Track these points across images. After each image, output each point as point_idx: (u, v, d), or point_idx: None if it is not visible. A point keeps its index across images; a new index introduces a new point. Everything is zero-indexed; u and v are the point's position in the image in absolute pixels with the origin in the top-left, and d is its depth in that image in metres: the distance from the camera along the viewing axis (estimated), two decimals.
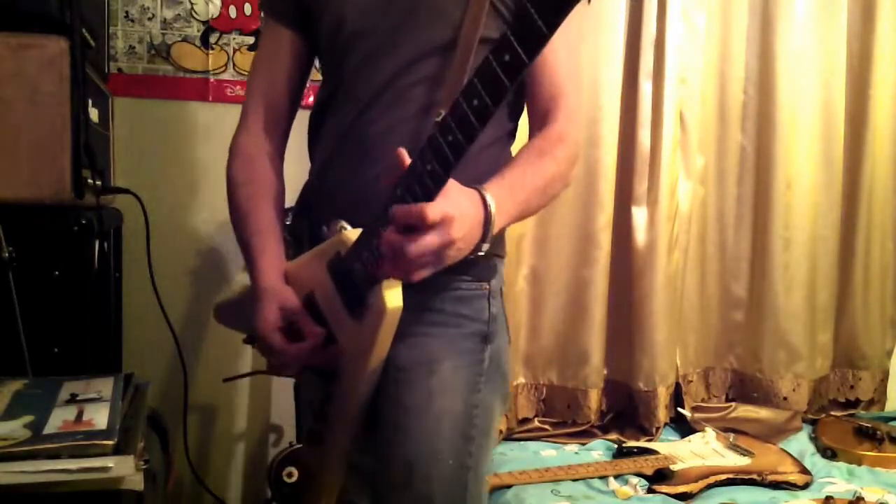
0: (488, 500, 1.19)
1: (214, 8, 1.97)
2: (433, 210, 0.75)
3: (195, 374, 1.99)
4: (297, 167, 1.15)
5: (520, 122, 1.09)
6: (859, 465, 1.85)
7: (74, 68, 1.32)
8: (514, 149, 1.07)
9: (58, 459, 0.96)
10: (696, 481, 1.69)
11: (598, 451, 1.94)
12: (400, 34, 0.96)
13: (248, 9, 1.99)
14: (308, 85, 1.14)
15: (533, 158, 0.95)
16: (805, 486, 1.72)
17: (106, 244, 1.50)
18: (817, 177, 2.15)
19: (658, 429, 2.04)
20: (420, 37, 0.95)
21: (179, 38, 1.96)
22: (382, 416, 0.98)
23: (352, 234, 0.91)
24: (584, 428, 2.04)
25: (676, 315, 2.09)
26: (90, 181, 1.41)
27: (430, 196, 0.76)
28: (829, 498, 1.58)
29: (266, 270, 0.99)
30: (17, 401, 1.14)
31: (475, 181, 0.84)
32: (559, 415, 2.06)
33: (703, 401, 2.21)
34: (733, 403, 2.18)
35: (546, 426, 2.04)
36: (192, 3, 1.96)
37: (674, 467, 1.76)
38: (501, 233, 0.98)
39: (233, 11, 1.98)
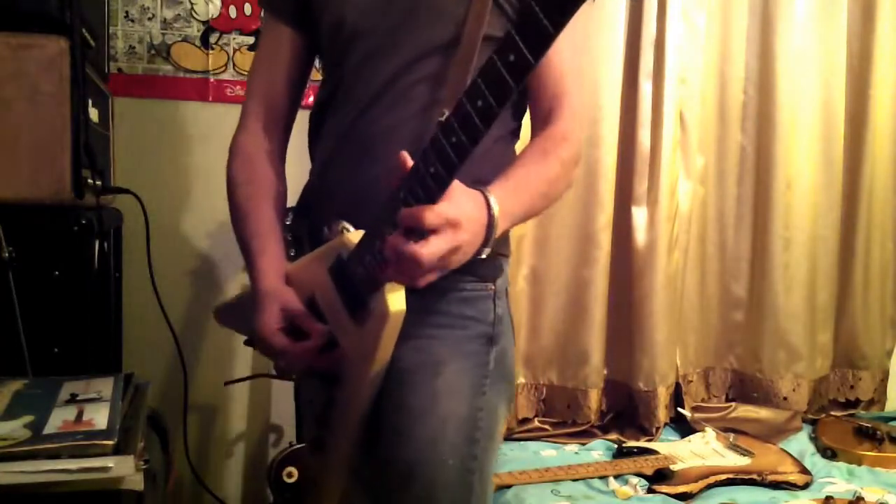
0: None
1: (214, 8, 1.97)
2: (436, 213, 0.74)
3: (195, 374, 1.99)
4: (297, 167, 1.14)
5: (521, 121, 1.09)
6: (859, 465, 1.85)
7: (74, 68, 1.32)
8: (517, 147, 1.06)
9: (58, 459, 0.96)
10: (696, 481, 1.69)
11: (598, 451, 1.94)
12: (401, 33, 0.95)
13: (248, 9, 1.99)
14: (308, 85, 1.14)
15: (537, 158, 0.94)
16: (805, 486, 1.72)
17: (106, 244, 1.50)
18: (817, 177, 2.16)
19: (658, 429, 2.04)
20: (421, 36, 0.94)
21: (179, 38, 1.96)
22: (385, 419, 0.96)
23: (354, 236, 0.90)
24: (584, 428, 2.04)
25: (676, 315, 2.09)
26: (90, 181, 1.41)
27: (433, 199, 0.75)
28: (829, 498, 1.58)
29: (266, 271, 0.98)
30: (17, 401, 1.14)
31: (478, 181, 0.83)
32: (559, 415, 2.06)
33: (703, 401, 2.21)
34: (733, 403, 2.18)
35: (546, 426, 2.04)
36: (192, 3, 1.96)
37: (674, 467, 1.76)
38: (506, 232, 0.97)
39: (233, 11, 1.98)
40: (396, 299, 0.85)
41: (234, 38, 1.99)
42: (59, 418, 1.07)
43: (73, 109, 1.32)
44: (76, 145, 1.33)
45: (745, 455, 1.84)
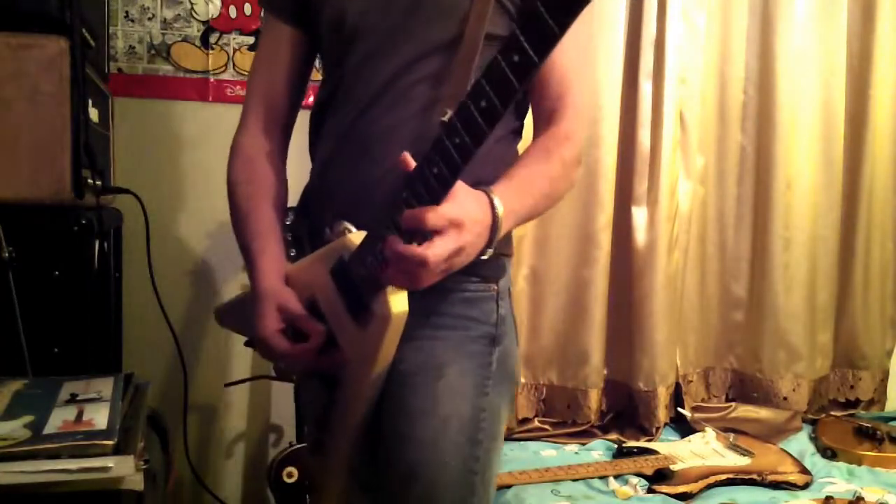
0: None
1: (214, 8, 1.97)
2: (439, 215, 0.73)
3: (195, 374, 1.99)
4: (298, 167, 1.14)
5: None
6: (859, 465, 1.85)
7: (74, 68, 1.32)
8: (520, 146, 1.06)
9: (58, 459, 0.96)
10: (696, 481, 1.69)
11: (598, 451, 1.94)
12: (401, 32, 0.94)
13: (248, 9, 1.99)
14: (308, 85, 1.14)
15: (540, 158, 0.93)
16: (805, 486, 1.72)
17: (106, 244, 1.50)
18: (817, 177, 2.15)
19: (658, 429, 2.04)
20: (422, 35, 0.94)
21: (179, 38, 1.96)
22: (386, 420, 0.96)
23: (356, 237, 0.89)
24: (584, 428, 2.04)
25: (676, 315, 2.09)
26: (90, 181, 1.41)
27: (436, 200, 0.74)
28: (829, 498, 1.58)
29: (266, 271, 0.97)
30: (17, 401, 1.14)
31: (481, 181, 0.82)
32: (559, 415, 2.06)
33: (703, 401, 2.21)
34: (733, 403, 2.18)
35: (546, 426, 2.04)
36: (192, 3, 1.96)
37: (674, 467, 1.76)
38: (508, 232, 0.97)
39: (233, 11, 1.98)
40: (399, 301, 0.85)
41: (234, 38, 1.99)
42: (59, 418, 1.07)
43: (73, 109, 1.32)
44: (76, 145, 1.33)
45: (745, 455, 1.84)
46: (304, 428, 1.92)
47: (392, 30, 0.95)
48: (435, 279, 0.79)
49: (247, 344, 1.12)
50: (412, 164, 0.77)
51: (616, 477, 1.73)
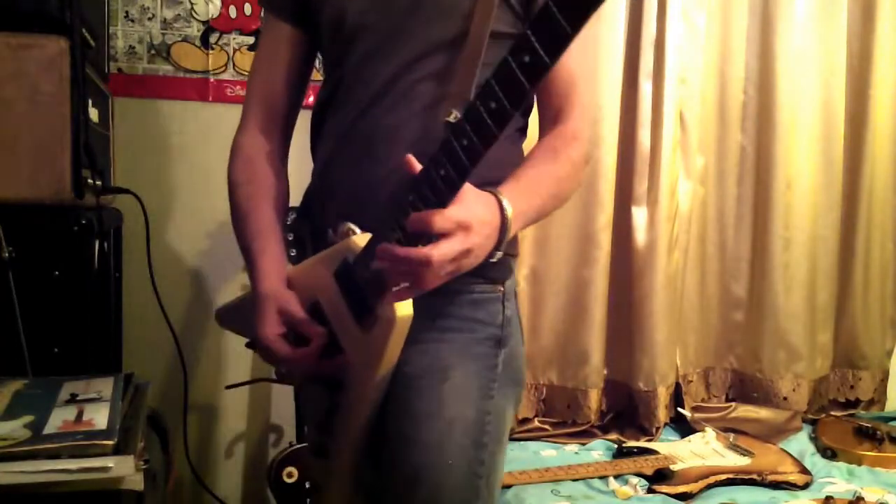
0: None
1: (214, 8, 1.97)
2: (446, 218, 0.73)
3: (195, 374, 1.99)
4: (300, 167, 1.14)
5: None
6: (859, 465, 1.85)
7: (74, 68, 1.32)
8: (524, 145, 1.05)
9: (58, 459, 0.96)
10: (696, 481, 1.69)
11: (598, 451, 1.94)
12: (403, 30, 0.93)
13: (248, 9, 1.99)
14: (309, 85, 1.13)
15: (548, 158, 0.92)
16: (805, 486, 1.72)
17: (106, 244, 1.50)
18: (817, 177, 2.15)
19: (658, 429, 2.04)
20: (425, 32, 0.92)
21: (179, 38, 1.96)
22: (391, 423, 0.95)
23: (360, 239, 0.88)
24: (584, 428, 2.04)
25: (676, 315, 2.09)
26: (90, 181, 1.41)
27: (443, 202, 0.73)
28: (829, 498, 1.58)
29: (266, 272, 0.96)
30: (17, 401, 1.14)
31: (486, 181, 0.81)
32: (559, 415, 2.06)
33: (703, 401, 2.21)
34: (733, 403, 2.18)
35: (546, 426, 2.04)
36: (192, 3, 1.96)
37: (674, 467, 1.76)
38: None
39: (233, 11, 1.98)
40: (404, 304, 0.84)
41: (234, 38, 1.99)
42: (59, 418, 1.07)
43: (73, 109, 1.32)
44: (76, 145, 1.33)
45: (745, 455, 1.84)
46: (304, 428, 1.92)
47: (393, 28, 0.94)
48: (440, 281, 0.78)
49: (248, 345, 1.11)
50: (417, 166, 0.76)
51: (616, 477, 1.73)
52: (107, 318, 1.55)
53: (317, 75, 1.11)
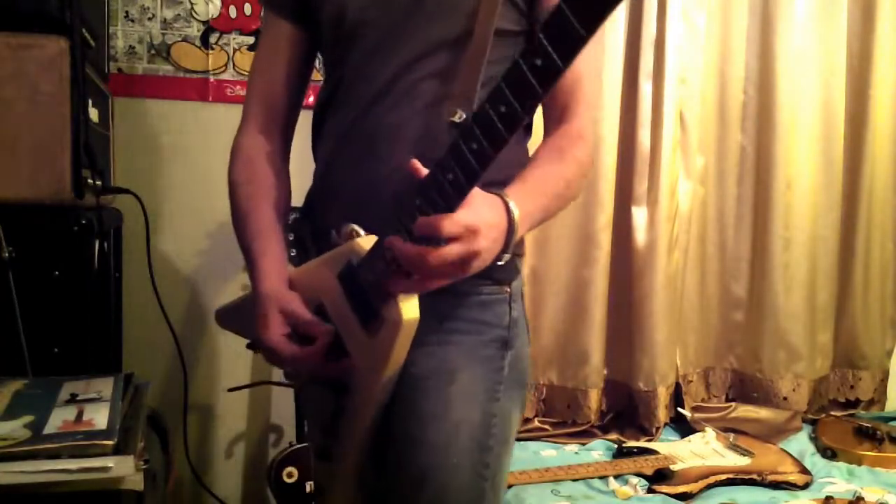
0: None
1: (214, 8, 1.97)
2: (454, 222, 0.72)
3: (195, 374, 1.99)
4: (303, 168, 1.13)
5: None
6: (859, 465, 1.85)
7: (74, 68, 1.32)
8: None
9: (58, 459, 0.96)
10: (696, 481, 1.69)
11: (598, 451, 1.94)
12: (405, 27, 0.92)
13: (248, 9, 1.99)
14: (310, 85, 1.13)
15: (553, 158, 0.92)
16: (805, 486, 1.72)
17: (106, 244, 1.50)
18: (817, 177, 2.16)
19: (658, 429, 2.04)
20: (428, 30, 0.91)
21: (179, 38, 1.96)
22: (397, 425, 0.94)
23: (364, 241, 0.87)
24: (584, 428, 2.04)
25: (676, 315, 2.09)
26: (90, 181, 1.41)
27: (452, 207, 0.72)
28: (829, 498, 1.58)
29: (267, 272, 0.96)
30: (17, 401, 1.14)
31: (492, 181, 0.80)
32: (559, 415, 2.06)
33: (703, 401, 2.21)
34: (733, 403, 2.18)
35: (546, 426, 2.04)
36: (192, 3, 1.96)
37: (674, 467, 1.76)
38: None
39: (233, 11, 1.98)
40: (410, 307, 0.83)
41: (234, 38, 1.99)
42: (59, 418, 1.07)
43: (73, 109, 1.32)
44: (76, 145, 1.33)
45: (745, 455, 1.84)
46: (304, 428, 1.92)
47: (394, 26, 0.93)
48: (446, 283, 0.78)
49: (249, 346, 1.10)
50: (423, 170, 0.75)
51: (616, 477, 1.73)
52: (107, 318, 1.55)
53: (317, 75, 1.10)
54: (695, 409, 2.15)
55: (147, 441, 1.22)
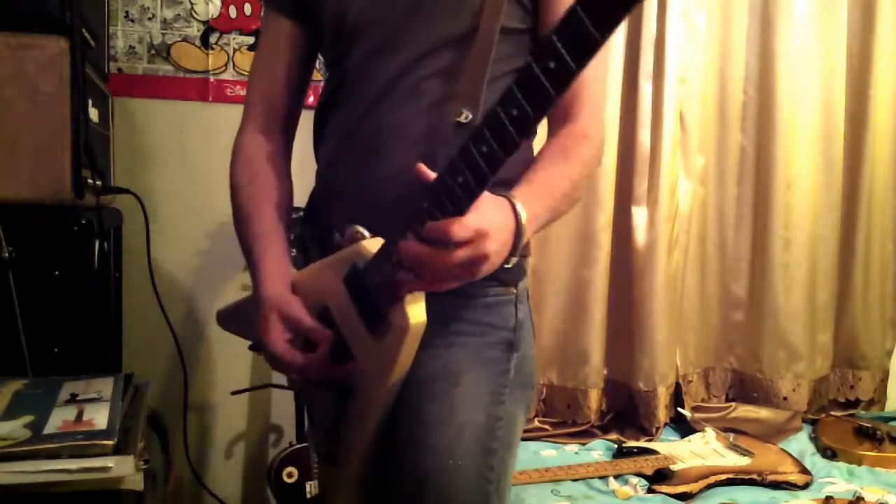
0: None
1: (214, 8, 1.97)
2: (464, 226, 0.71)
3: (195, 374, 1.99)
4: (304, 168, 1.13)
5: None
6: (859, 465, 1.85)
7: (74, 68, 1.32)
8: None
9: (58, 459, 0.96)
10: (696, 481, 1.69)
11: (598, 451, 1.94)
12: (409, 26, 0.91)
13: (248, 9, 1.99)
14: (310, 85, 1.13)
15: (558, 158, 0.91)
16: (805, 486, 1.72)
17: (106, 244, 1.50)
18: (817, 177, 2.16)
19: (658, 429, 2.04)
20: (433, 28, 0.90)
21: (179, 38, 1.96)
22: (401, 427, 0.93)
23: (370, 244, 0.86)
24: (584, 428, 2.04)
25: (676, 315, 2.09)
26: (90, 181, 1.41)
27: (461, 210, 0.72)
28: (829, 498, 1.58)
29: (269, 274, 0.95)
30: (17, 401, 1.14)
31: (497, 180, 0.78)
32: (559, 415, 2.06)
33: (703, 401, 2.21)
34: (733, 403, 2.18)
35: (546, 426, 2.04)
36: (192, 3, 1.96)
37: (674, 467, 1.76)
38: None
39: (233, 11, 1.99)
40: (417, 311, 0.82)
41: (234, 38, 1.99)
42: (59, 418, 1.07)
43: (73, 109, 1.32)
44: (76, 145, 1.33)
45: (745, 455, 1.84)
46: (304, 428, 1.92)
47: (398, 24, 0.92)
48: (455, 285, 0.78)
49: (251, 348, 1.09)
50: (430, 174, 0.75)
51: (616, 477, 1.73)
52: (107, 318, 1.55)
53: (317, 76, 1.10)
54: (695, 409, 2.15)
55: (147, 441, 1.22)
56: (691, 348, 2.18)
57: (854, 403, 2.27)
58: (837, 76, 2.14)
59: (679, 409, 2.10)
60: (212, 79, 1.98)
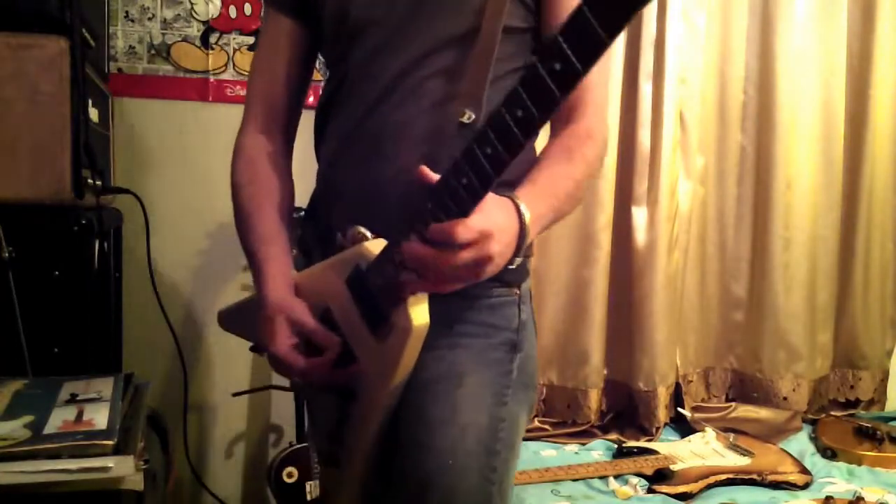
0: None
1: (214, 8, 1.97)
2: (468, 228, 0.71)
3: (195, 374, 1.99)
4: (305, 168, 1.13)
5: None
6: (859, 465, 1.85)
7: (74, 68, 1.32)
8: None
9: (58, 459, 0.96)
10: (696, 481, 1.69)
11: (598, 451, 1.94)
12: (411, 25, 0.91)
13: (248, 9, 1.99)
14: (311, 85, 1.12)
15: (562, 158, 0.91)
16: (805, 486, 1.72)
17: (106, 244, 1.50)
18: (817, 177, 2.16)
19: (658, 429, 2.04)
20: (435, 27, 0.90)
21: (179, 38, 1.96)
22: (404, 429, 0.93)
23: (373, 245, 0.85)
24: (584, 428, 2.04)
25: (676, 315, 2.09)
26: (90, 181, 1.41)
27: (465, 212, 0.71)
28: (829, 498, 1.58)
29: (273, 277, 0.94)
30: (17, 401, 1.14)
31: (501, 182, 0.78)
32: (559, 415, 2.06)
33: (703, 401, 2.21)
34: (733, 403, 2.18)
35: (546, 426, 2.04)
36: (192, 3, 1.96)
37: (674, 467, 1.76)
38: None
39: (233, 11, 1.99)
40: (420, 312, 0.82)
41: (234, 38, 1.99)
42: (59, 418, 1.07)
43: (73, 109, 1.32)
44: (76, 145, 1.33)
45: (745, 455, 1.84)
46: (304, 428, 1.92)
47: (400, 23, 0.92)
48: (459, 286, 0.78)
49: (252, 349, 1.09)
50: (433, 176, 0.75)
51: (616, 477, 1.73)
52: (107, 318, 1.55)
53: (318, 76, 1.10)
54: (695, 409, 2.15)
55: (147, 441, 1.22)
56: (691, 348, 2.18)
57: (854, 403, 2.27)
58: (837, 76, 2.14)
59: (679, 409, 2.10)
60: (212, 79, 1.98)
